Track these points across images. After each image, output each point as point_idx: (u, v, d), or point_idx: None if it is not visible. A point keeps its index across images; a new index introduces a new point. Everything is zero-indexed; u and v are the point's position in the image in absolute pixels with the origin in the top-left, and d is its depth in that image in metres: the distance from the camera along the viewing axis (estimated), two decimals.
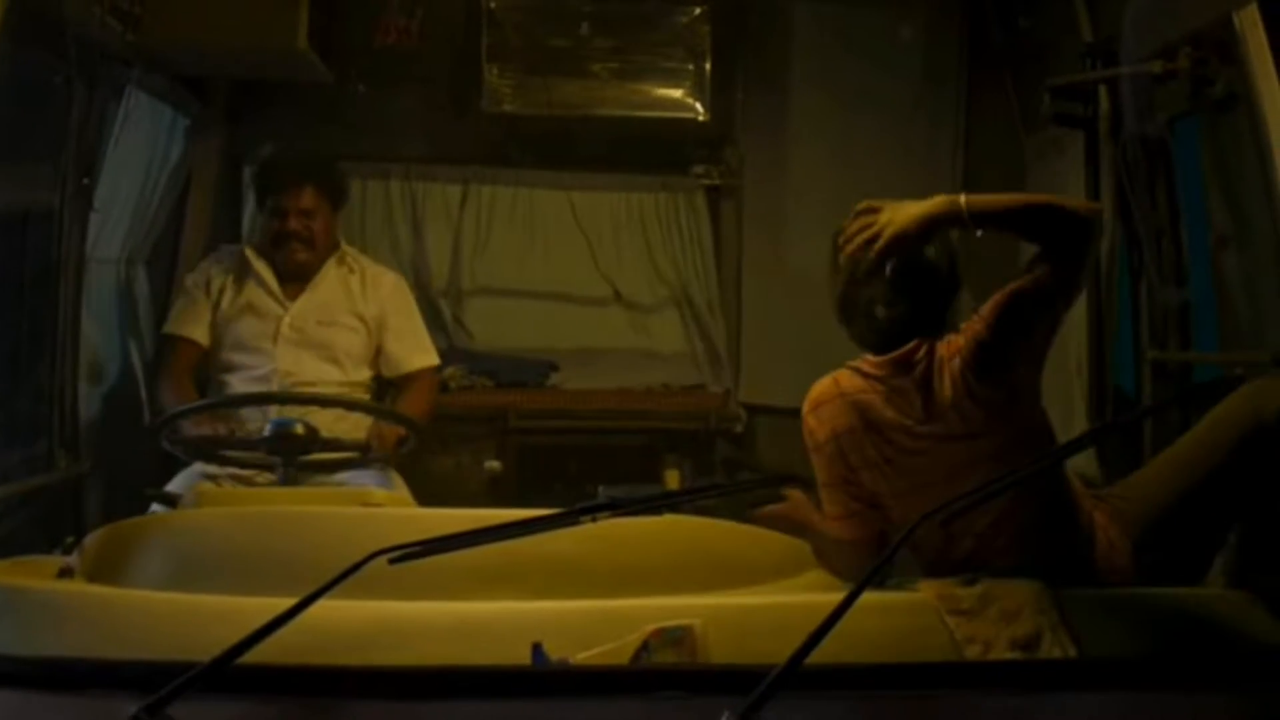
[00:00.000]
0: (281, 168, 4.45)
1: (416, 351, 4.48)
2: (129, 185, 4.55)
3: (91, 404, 4.27)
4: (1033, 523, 2.89)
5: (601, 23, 5.19)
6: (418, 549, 2.68)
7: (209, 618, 2.63)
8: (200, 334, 4.40)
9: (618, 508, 2.75)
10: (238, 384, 4.28)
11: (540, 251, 5.34)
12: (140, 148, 4.55)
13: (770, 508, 2.96)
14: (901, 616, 2.75)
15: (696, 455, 5.10)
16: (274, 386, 4.17)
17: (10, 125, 3.43)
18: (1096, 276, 4.19)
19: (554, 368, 5.16)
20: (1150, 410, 3.85)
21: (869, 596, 2.49)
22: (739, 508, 3.28)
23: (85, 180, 3.95)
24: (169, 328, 4.48)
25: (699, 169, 5.44)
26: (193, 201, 4.99)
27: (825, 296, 3.28)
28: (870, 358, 2.96)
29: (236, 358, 4.33)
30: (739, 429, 5.18)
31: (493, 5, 5.09)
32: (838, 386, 2.95)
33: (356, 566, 2.58)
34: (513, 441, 4.97)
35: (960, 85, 5.19)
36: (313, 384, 4.25)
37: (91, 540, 3.26)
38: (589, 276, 5.37)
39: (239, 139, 5.12)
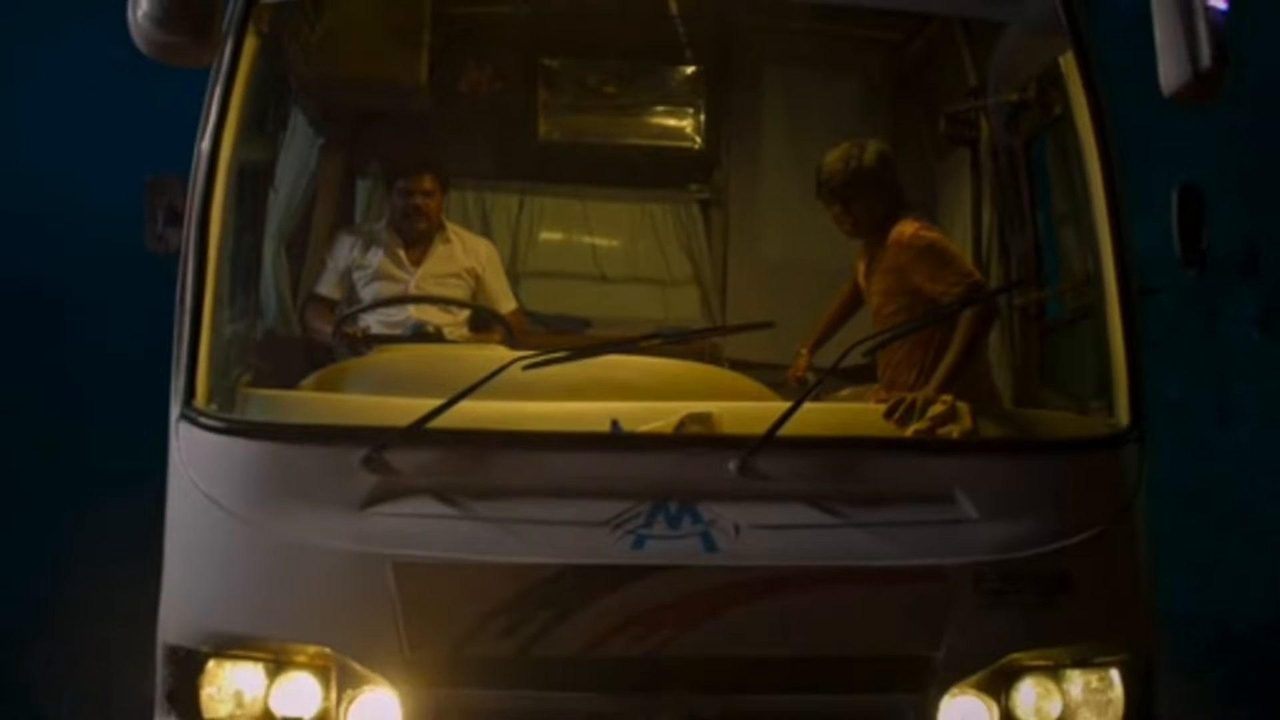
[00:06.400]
0: (410, 160, 5.87)
1: (506, 297, 5.97)
2: (282, 182, 6.05)
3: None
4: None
5: (627, 78, 6.54)
6: (545, 358, 4.19)
7: (404, 412, 4.00)
8: (335, 292, 5.80)
9: (668, 338, 4.37)
10: (377, 329, 5.57)
11: (578, 246, 6.68)
12: (293, 156, 6.03)
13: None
14: (845, 414, 4.41)
15: None
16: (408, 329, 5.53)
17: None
18: (978, 247, 5.64)
19: (588, 324, 6.45)
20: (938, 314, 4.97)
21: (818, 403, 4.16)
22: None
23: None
24: (312, 288, 5.88)
25: (694, 186, 6.72)
26: (321, 197, 6.29)
27: (794, 281, 5.00)
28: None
29: (376, 312, 5.68)
30: None
31: (548, 64, 6.48)
32: None
33: (502, 369, 4.07)
34: None
35: (890, 119, 6.35)
36: (438, 324, 5.61)
37: (311, 378, 4.64)
38: (613, 264, 6.66)
39: (356, 153, 6.45)
